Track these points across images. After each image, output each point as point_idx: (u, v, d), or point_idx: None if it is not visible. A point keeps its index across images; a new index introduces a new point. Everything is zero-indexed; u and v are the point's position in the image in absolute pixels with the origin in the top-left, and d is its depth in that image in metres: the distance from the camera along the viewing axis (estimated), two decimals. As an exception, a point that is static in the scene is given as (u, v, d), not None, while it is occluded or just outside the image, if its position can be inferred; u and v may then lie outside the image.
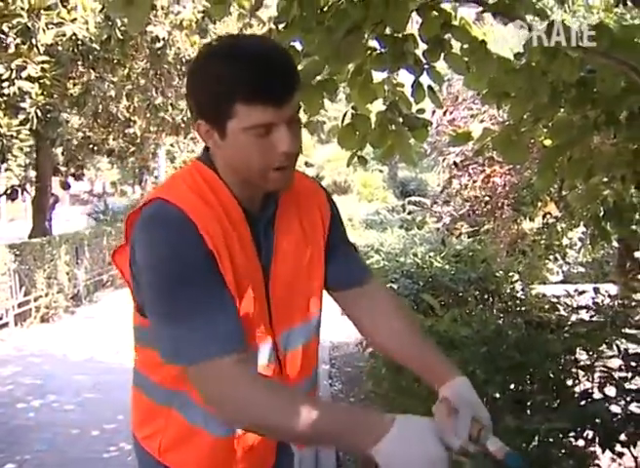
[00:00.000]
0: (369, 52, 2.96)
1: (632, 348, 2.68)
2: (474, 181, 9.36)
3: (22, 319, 9.06)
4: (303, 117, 3.40)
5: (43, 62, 7.61)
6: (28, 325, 9.10)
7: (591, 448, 2.23)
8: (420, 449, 1.10)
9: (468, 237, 8.98)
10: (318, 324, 1.44)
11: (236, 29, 11.70)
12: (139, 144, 13.59)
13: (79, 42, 8.04)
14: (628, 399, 2.39)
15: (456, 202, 10.16)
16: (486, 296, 4.72)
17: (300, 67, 3.15)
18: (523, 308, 3.99)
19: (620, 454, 2.22)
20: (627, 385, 2.49)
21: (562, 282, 9.83)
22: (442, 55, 2.97)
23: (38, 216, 11.65)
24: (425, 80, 3.18)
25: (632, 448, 2.24)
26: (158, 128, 12.68)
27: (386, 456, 1.10)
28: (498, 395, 2.49)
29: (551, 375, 2.52)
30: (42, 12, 7.44)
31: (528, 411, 2.42)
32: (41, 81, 7.70)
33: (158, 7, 8.69)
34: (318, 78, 2.89)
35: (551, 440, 2.05)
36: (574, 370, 2.60)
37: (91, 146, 13.30)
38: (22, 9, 7.12)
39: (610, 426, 2.17)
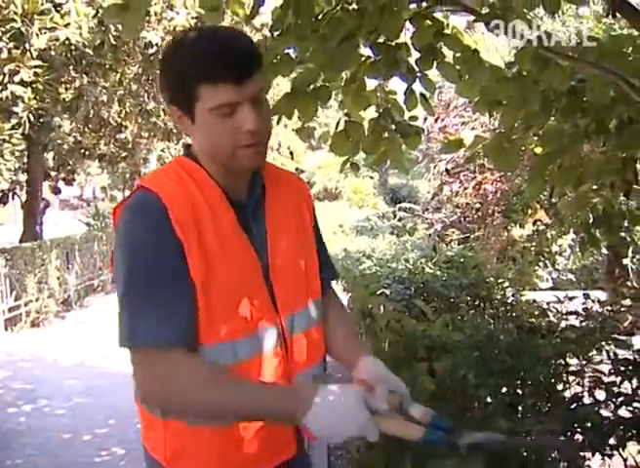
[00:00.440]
0: (363, 59, 2.99)
1: (621, 353, 2.72)
2: (465, 188, 9.42)
3: (13, 323, 9.02)
4: (296, 124, 3.43)
5: (36, 67, 7.60)
6: (19, 329, 9.06)
7: (581, 453, 2.25)
8: (345, 414, 1.19)
9: (458, 244, 9.03)
10: (320, 309, 1.47)
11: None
12: (130, 149, 13.56)
13: (72, 47, 8.04)
14: (617, 403, 2.43)
15: (447, 209, 10.22)
16: (477, 302, 4.76)
17: (293, 75, 3.19)
18: (514, 314, 4.04)
19: (610, 456, 2.25)
20: (616, 390, 2.53)
21: (551, 288, 9.88)
22: (435, 63, 3.01)
23: (29, 221, 11.61)
24: (418, 87, 3.23)
25: (621, 451, 2.27)
26: (150, 133, 12.67)
27: (315, 424, 1.19)
28: (490, 399, 2.52)
29: (542, 380, 2.56)
30: (35, 16, 7.45)
31: (519, 415, 2.45)
32: (34, 85, 7.70)
33: (151, 13, 8.72)
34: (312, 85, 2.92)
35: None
36: (564, 374, 2.64)
37: (82, 151, 13.26)
38: (16, 13, 7.12)
39: (600, 429, 2.21)
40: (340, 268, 5.91)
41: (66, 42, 7.96)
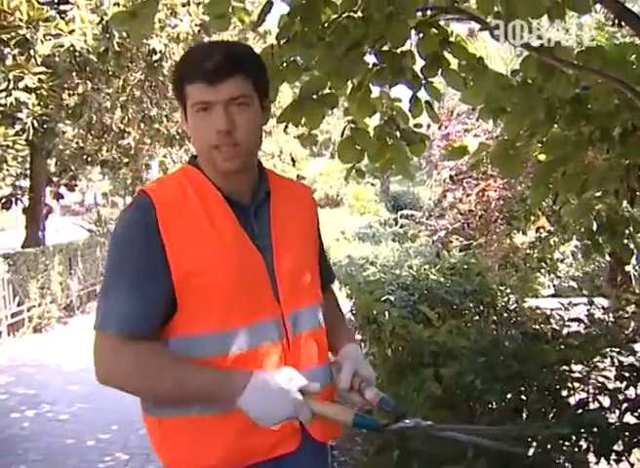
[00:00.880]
0: (369, 67, 3.02)
1: (626, 360, 2.73)
2: (468, 195, 9.44)
3: (15, 329, 9.03)
4: (298, 130, 3.45)
5: (40, 73, 7.63)
6: (21, 335, 9.07)
7: (587, 457, 2.27)
8: (275, 396, 1.29)
9: (460, 251, 9.04)
10: (321, 312, 1.54)
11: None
12: (132, 156, 13.58)
13: (76, 53, 8.07)
14: (623, 409, 2.44)
15: (450, 215, 10.24)
16: (481, 309, 4.77)
17: (297, 82, 3.22)
18: (518, 320, 4.05)
19: (617, 461, 2.26)
20: (621, 396, 2.54)
21: (553, 295, 9.89)
22: (440, 70, 3.03)
23: (31, 227, 11.62)
24: (423, 95, 3.25)
25: (628, 456, 2.28)
26: (152, 139, 12.71)
27: (249, 407, 1.29)
28: (495, 404, 2.54)
29: (547, 385, 2.57)
30: (40, 23, 7.48)
31: (526, 420, 2.46)
32: (38, 92, 7.72)
33: (155, 20, 8.75)
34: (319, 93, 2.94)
35: (549, 446, 2.09)
36: (569, 380, 2.65)
37: (84, 157, 13.29)
38: (21, 20, 7.16)
39: (606, 435, 2.22)
40: (344, 275, 5.92)
41: (71, 48, 7.99)
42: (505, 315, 4.57)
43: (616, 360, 2.71)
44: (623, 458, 2.27)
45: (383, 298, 4.38)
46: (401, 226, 17.60)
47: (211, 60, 1.34)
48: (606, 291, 7.26)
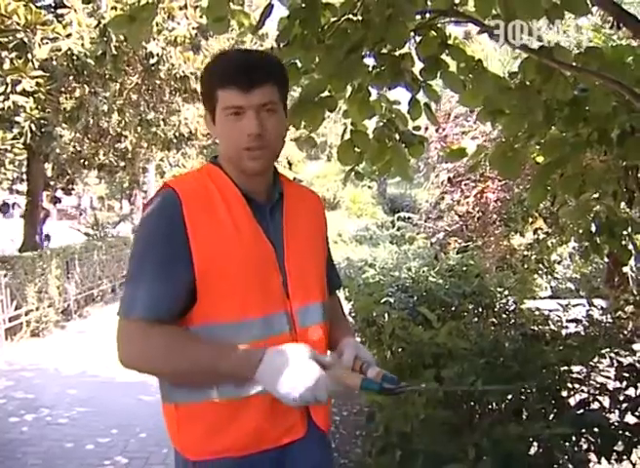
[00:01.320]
0: (369, 70, 3.03)
1: (625, 360, 2.74)
2: (466, 197, 9.46)
3: (13, 333, 9.01)
4: (294, 134, 3.47)
5: (38, 77, 7.62)
6: (19, 339, 9.06)
7: (588, 457, 2.28)
8: (293, 367, 1.35)
9: (458, 253, 9.05)
10: (326, 311, 1.62)
11: (228, 46, 11.83)
12: (129, 159, 13.57)
13: (74, 57, 8.07)
14: (623, 409, 2.45)
15: (448, 217, 10.26)
16: (480, 310, 4.78)
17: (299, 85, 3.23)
18: (517, 321, 4.05)
19: (619, 461, 2.27)
20: (621, 396, 2.55)
21: (550, 297, 9.91)
22: (438, 73, 3.04)
23: (29, 230, 11.60)
24: (421, 97, 3.26)
25: (628, 456, 2.29)
26: (149, 143, 12.70)
27: (266, 380, 1.36)
28: (497, 404, 2.54)
29: (548, 386, 2.58)
30: (38, 27, 7.47)
31: (527, 420, 2.47)
32: (35, 95, 7.71)
33: (152, 23, 8.75)
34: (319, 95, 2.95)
35: (548, 445, 2.10)
36: (569, 380, 2.66)
37: (81, 161, 13.28)
38: (19, 24, 7.15)
39: (608, 435, 2.23)
40: (343, 277, 5.93)
41: (68, 52, 7.98)
42: (504, 316, 4.58)
43: (615, 360, 2.73)
44: (625, 458, 2.27)
45: (383, 300, 4.39)
46: (398, 229, 17.63)
47: (244, 68, 1.44)
48: (604, 292, 7.27)
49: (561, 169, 3.26)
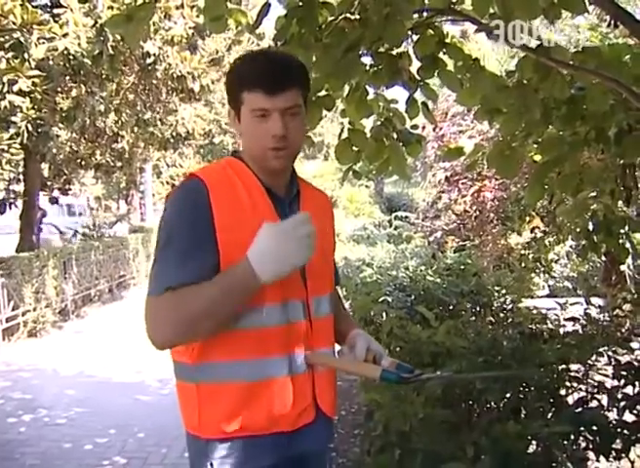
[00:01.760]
0: (366, 68, 3.03)
1: (623, 358, 2.75)
2: (463, 196, 9.46)
3: (10, 333, 8.99)
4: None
5: (34, 77, 7.60)
6: (16, 339, 9.03)
7: (587, 455, 2.28)
8: (273, 245, 1.44)
9: (455, 252, 9.06)
10: (333, 302, 1.71)
11: (225, 46, 11.82)
12: (127, 159, 13.55)
13: (70, 57, 8.04)
14: (621, 407, 2.45)
15: (445, 216, 10.26)
16: (478, 309, 4.79)
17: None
18: (515, 320, 4.06)
19: (618, 458, 2.28)
20: (619, 394, 2.55)
21: (548, 296, 9.92)
22: (436, 72, 3.05)
23: (26, 231, 11.58)
24: (419, 96, 3.26)
25: (627, 454, 2.30)
26: (146, 143, 12.67)
27: (270, 272, 1.43)
28: (495, 403, 2.55)
29: (546, 384, 2.58)
30: (34, 27, 7.45)
31: (525, 419, 2.47)
32: (32, 95, 7.69)
33: (149, 23, 8.72)
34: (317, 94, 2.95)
35: (547, 443, 2.11)
36: (567, 378, 2.66)
37: (78, 161, 13.24)
38: (15, 24, 7.14)
39: (606, 432, 2.23)
40: (341, 276, 5.92)
41: (65, 52, 7.95)
42: (502, 315, 4.59)
43: (613, 358, 2.73)
44: (623, 456, 2.28)
45: (381, 300, 4.39)
46: (396, 228, 17.63)
47: (271, 72, 1.52)
48: (601, 290, 7.29)
49: (558, 167, 3.26)
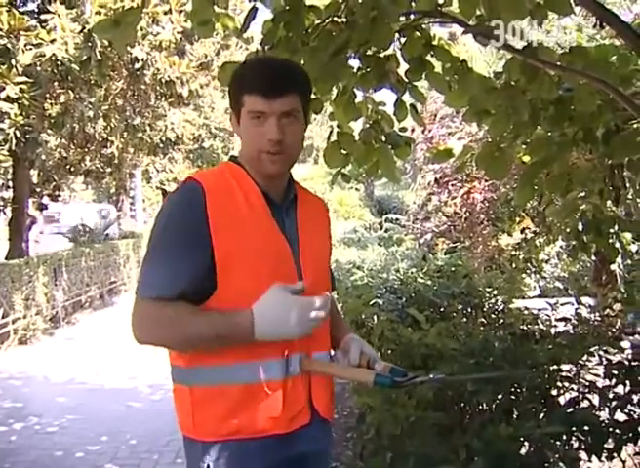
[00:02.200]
0: (354, 71, 3.03)
1: (613, 358, 2.75)
2: (453, 198, 9.48)
3: (0, 341, 8.93)
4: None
5: (22, 83, 7.57)
6: (6, 347, 8.97)
7: (579, 455, 2.28)
8: (278, 310, 1.47)
9: (445, 253, 9.07)
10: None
11: (214, 50, 11.81)
12: (116, 165, 13.51)
13: (58, 63, 8.01)
14: (612, 406, 2.45)
15: (436, 218, 10.28)
16: (469, 310, 4.79)
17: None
18: (506, 321, 4.06)
19: (610, 458, 2.28)
20: (610, 394, 2.56)
21: (539, 296, 9.94)
22: (424, 74, 3.05)
23: (15, 237, 11.51)
24: (407, 99, 3.26)
25: (618, 453, 2.30)
26: (136, 148, 12.64)
27: (266, 332, 1.47)
28: (487, 405, 2.54)
29: (538, 385, 2.58)
30: (21, 33, 7.43)
31: (517, 420, 2.47)
32: (20, 102, 7.65)
33: (137, 28, 8.71)
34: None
35: (539, 445, 2.10)
36: (559, 379, 2.66)
37: (67, 167, 13.19)
38: (2, 30, 7.10)
39: (597, 432, 2.23)
40: (332, 279, 5.90)
41: (52, 58, 7.93)
42: (493, 316, 4.59)
43: (604, 358, 2.74)
44: (615, 455, 2.28)
45: (372, 302, 4.38)
46: (386, 230, 17.64)
47: (270, 76, 1.55)
48: (592, 290, 7.31)
49: (547, 168, 3.27)
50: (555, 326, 3.40)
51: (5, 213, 11.61)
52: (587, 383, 2.65)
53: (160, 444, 4.84)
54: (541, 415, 2.51)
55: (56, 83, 8.81)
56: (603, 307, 3.91)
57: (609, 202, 3.58)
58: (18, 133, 7.82)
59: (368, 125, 3.34)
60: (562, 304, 3.64)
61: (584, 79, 2.67)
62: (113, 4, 7.80)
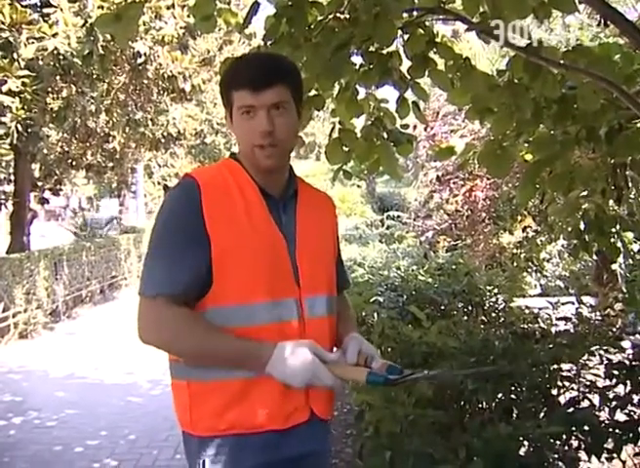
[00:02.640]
0: (356, 68, 3.01)
1: (614, 357, 2.74)
2: (455, 196, 9.47)
3: (0, 335, 8.94)
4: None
5: (24, 77, 7.55)
6: (6, 341, 8.98)
7: (578, 455, 2.27)
8: (296, 362, 1.47)
9: (446, 251, 9.06)
10: (335, 305, 1.71)
11: (216, 46, 11.79)
12: (117, 160, 13.49)
13: (60, 57, 7.99)
14: (612, 406, 2.45)
15: (437, 216, 10.27)
16: (470, 308, 4.78)
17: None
18: (507, 319, 4.05)
19: (610, 459, 2.27)
20: (611, 394, 2.55)
21: (540, 295, 9.94)
22: (426, 71, 3.04)
23: (16, 232, 11.51)
24: (410, 96, 3.25)
25: (618, 453, 2.29)
26: (137, 143, 12.62)
27: (275, 372, 1.48)
28: (487, 404, 2.54)
29: (538, 384, 2.57)
30: (23, 26, 7.40)
31: (517, 419, 2.46)
32: (21, 95, 7.64)
33: (139, 22, 8.68)
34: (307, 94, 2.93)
35: (539, 444, 2.10)
36: (559, 378, 2.65)
37: (69, 161, 13.18)
38: (4, 23, 7.08)
39: (597, 432, 2.22)
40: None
41: (54, 52, 7.90)
42: (494, 315, 4.59)
43: (604, 358, 2.73)
44: (615, 456, 2.27)
45: (372, 300, 4.37)
46: (387, 227, 17.63)
47: (255, 71, 1.56)
48: (593, 289, 7.30)
49: (550, 167, 3.25)
50: (556, 325, 3.39)
51: (6, 206, 11.60)
52: (588, 383, 2.63)
53: (159, 439, 4.84)
54: (541, 415, 2.50)
55: (58, 77, 8.78)
56: (604, 307, 3.90)
57: (611, 201, 3.57)
58: (19, 126, 7.80)
59: (370, 122, 3.33)
60: (563, 303, 3.63)
61: (588, 77, 2.65)
62: (115, -2, 7.76)
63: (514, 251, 9.74)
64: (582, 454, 2.29)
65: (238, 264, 1.52)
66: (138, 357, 6.75)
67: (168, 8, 9.09)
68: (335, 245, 1.78)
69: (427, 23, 3.03)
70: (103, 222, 20.00)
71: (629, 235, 6.63)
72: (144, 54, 9.17)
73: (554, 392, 2.69)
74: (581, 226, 3.60)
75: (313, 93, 3.01)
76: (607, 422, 2.37)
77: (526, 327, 3.45)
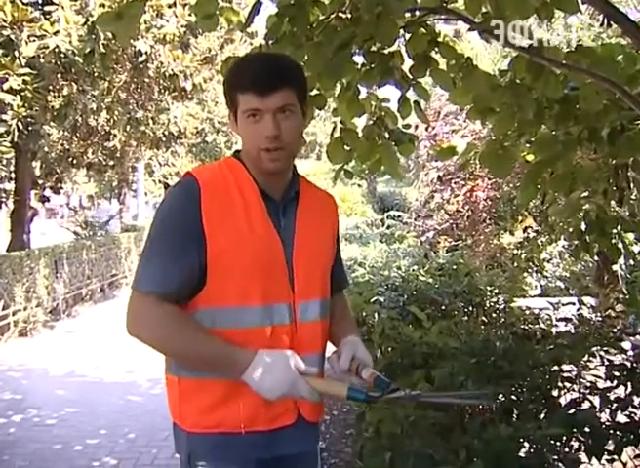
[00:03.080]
0: (358, 67, 3.01)
1: (615, 359, 2.74)
2: (456, 196, 9.47)
3: (0, 333, 8.94)
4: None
5: (25, 75, 7.55)
6: (6, 339, 8.98)
7: (579, 457, 2.26)
8: (274, 375, 1.46)
9: (447, 251, 9.05)
10: (328, 308, 1.70)
11: (218, 44, 11.78)
12: (118, 158, 13.49)
13: (62, 55, 7.98)
14: (613, 408, 2.44)
15: (438, 216, 10.26)
16: (470, 309, 4.77)
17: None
18: (507, 320, 4.05)
19: (610, 461, 2.26)
20: (611, 395, 2.54)
21: (540, 295, 9.92)
22: (428, 71, 3.03)
23: (16, 230, 11.50)
24: (411, 95, 3.24)
25: (619, 455, 2.28)
26: (138, 141, 12.62)
27: (250, 380, 1.47)
28: (488, 405, 2.53)
29: (539, 385, 2.56)
30: (25, 24, 7.40)
31: (518, 420, 2.45)
32: (23, 93, 7.63)
33: (141, 21, 8.67)
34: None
35: (540, 446, 2.09)
36: (560, 379, 2.65)
37: (70, 159, 13.17)
38: (5, 21, 7.08)
39: (598, 433, 2.22)
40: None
41: (56, 50, 7.89)
42: (495, 315, 4.58)
43: (605, 359, 2.72)
44: (616, 458, 2.26)
45: (373, 300, 4.37)
46: (388, 227, 17.62)
47: (261, 74, 1.53)
48: (594, 290, 7.29)
49: (551, 167, 3.25)
50: (556, 326, 3.38)
51: (7, 204, 11.60)
52: (588, 384, 2.63)
53: (159, 438, 4.83)
54: (542, 416, 2.50)
55: (59, 75, 8.77)
56: (605, 308, 3.89)
57: (612, 202, 3.56)
58: (20, 124, 7.79)
59: (371, 121, 3.32)
60: (564, 304, 3.62)
61: (590, 78, 2.64)
62: (117, -4, 7.76)
63: (515, 251, 9.73)
64: (583, 456, 2.28)
65: (233, 266, 1.52)
66: (137, 356, 6.72)
67: (169, 6, 9.09)
68: (334, 246, 1.77)
69: (429, 23, 3.03)
70: (104, 220, 19.98)
71: (630, 236, 6.62)
72: (146, 52, 9.16)
73: (555, 393, 2.68)
74: (583, 227, 3.59)
75: (315, 92, 3.00)
76: (607, 424, 2.36)
77: (526, 327, 3.44)
